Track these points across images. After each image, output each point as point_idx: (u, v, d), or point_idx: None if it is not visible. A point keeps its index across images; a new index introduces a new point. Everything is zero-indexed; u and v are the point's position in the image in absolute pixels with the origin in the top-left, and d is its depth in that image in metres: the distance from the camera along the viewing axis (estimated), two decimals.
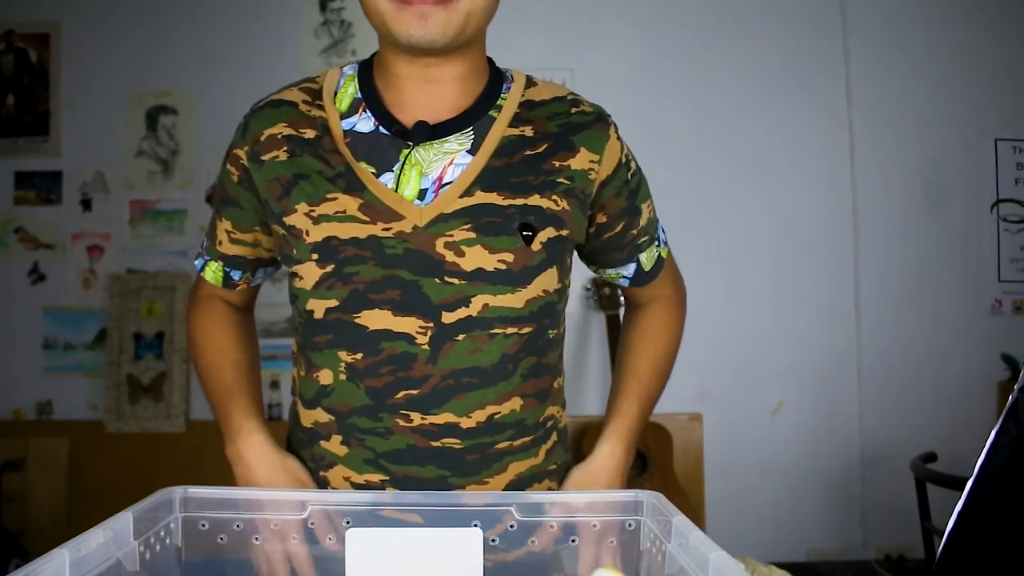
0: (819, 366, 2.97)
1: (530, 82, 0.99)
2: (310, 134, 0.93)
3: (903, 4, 3.02)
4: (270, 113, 0.95)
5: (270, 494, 0.81)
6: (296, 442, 1.00)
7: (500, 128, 0.93)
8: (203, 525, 0.73)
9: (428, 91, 0.92)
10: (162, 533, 0.70)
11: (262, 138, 0.94)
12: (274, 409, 2.93)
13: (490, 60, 0.99)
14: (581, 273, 2.98)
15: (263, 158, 0.93)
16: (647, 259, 1.05)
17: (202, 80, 2.97)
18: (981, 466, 0.86)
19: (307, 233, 0.91)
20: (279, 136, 0.93)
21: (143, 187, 2.99)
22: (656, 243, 1.06)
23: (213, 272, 1.05)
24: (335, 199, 0.90)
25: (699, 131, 2.98)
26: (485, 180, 0.91)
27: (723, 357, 2.91)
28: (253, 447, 0.95)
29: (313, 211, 0.91)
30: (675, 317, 1.11)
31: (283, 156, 0.93)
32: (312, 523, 0.77)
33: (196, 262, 1.08)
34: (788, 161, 2.99)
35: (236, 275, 1.05)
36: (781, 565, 0.91)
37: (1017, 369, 2.83)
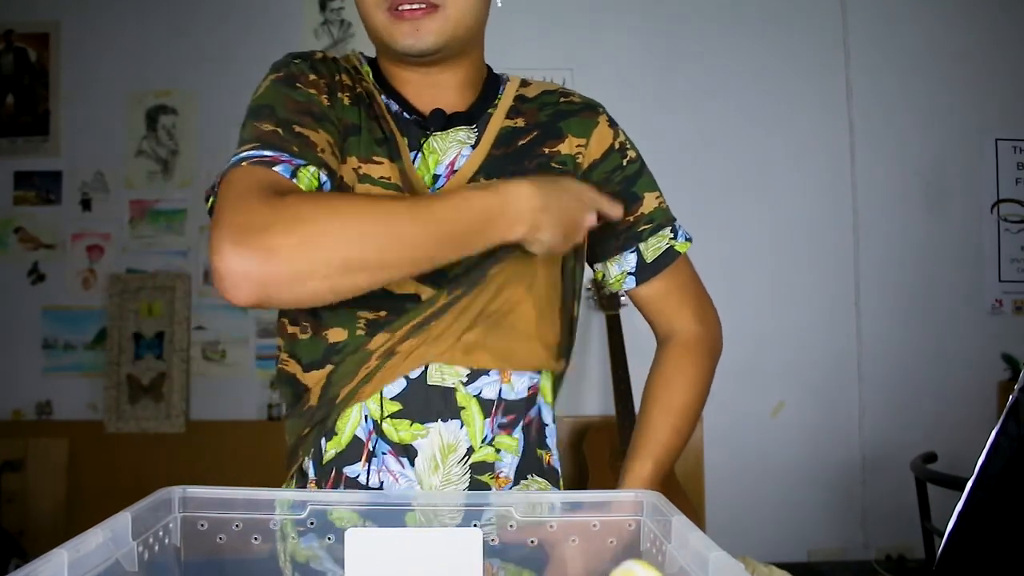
0: (819, 366, 2.97)
1: (524, 83, 1.05)
2: (362, 91, 0.97)
3: (903, 4, 3.02)
4: (332, 63, 0.96)
5: (270, 493, 0.81)
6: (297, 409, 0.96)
7: (497, 121, 0.99)
8: (202, 525, 0.73)
9: (431, 93, 0.98)
10: (161, 533, 0.70)
11: (336, 78, 0.94)
12: (274, 409, 2.93)
13: (488, 67, 1.05)
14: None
15: (337, 95, 0.93)
16: (649, 249, 1.02)
17: (202, 80, 2.97)
18: (981, 466, 0.86)
19: (351, 189, 0.91)
20: (345, 83, 0.95)
21: (143, 187, 2.99)
22: (669, 234, 1.03)
23: (308, 179, 0.82)
24: (381, 163, 0.92)
25: (699, 131, 2.98)
26: (488, 168, 0.95)
27: (723, 357, 2.90)
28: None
29: (360, 168, 0.92)
30: (699, 364, 1.04)
31: (347, 101, 0.94)
32: (312, 522, 0.77)
33: (278, 168, 0.79)
34: (788, 161, 2.99)
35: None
36: (782, 565, 0.90)
37: (1017, 369, 2.83)
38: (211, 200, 0.85)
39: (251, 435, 2.88)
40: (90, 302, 2.97)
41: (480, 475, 0.93)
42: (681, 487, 2.63)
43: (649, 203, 1.02)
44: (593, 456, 2.63)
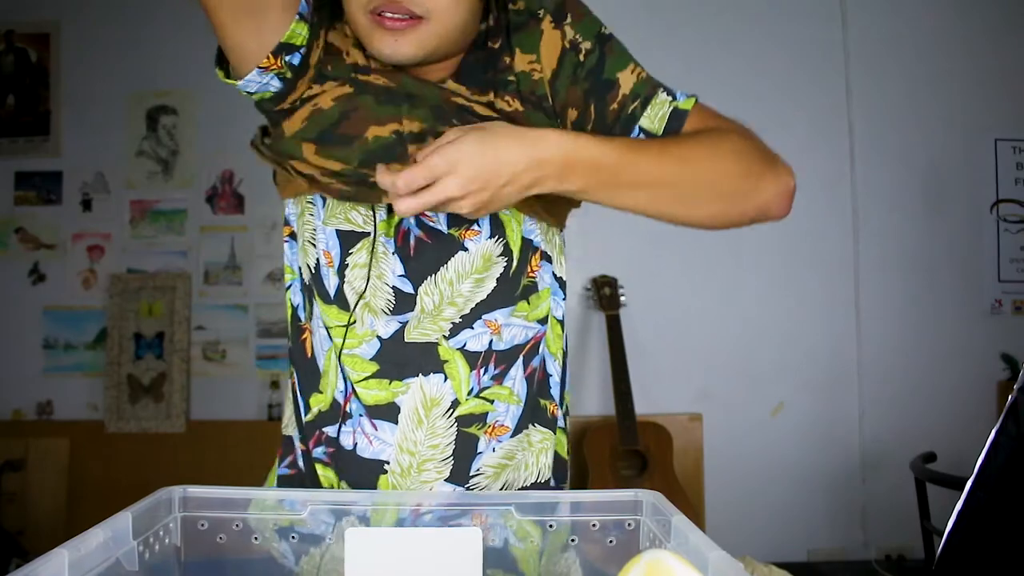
0: (819, 366, 2.97)
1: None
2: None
3: (903, 4, 3.02)
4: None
5: (270, 493, 0.81)
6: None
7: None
8: (202, 525, 0.73)
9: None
10: (161, 533, 0.70)
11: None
12: (274, 409, 2.93)
13: None
14: (581, 272, 2.99)
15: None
16: (654, 122, 0.93)
17: (202, 80, 2.95)
18: (981, 466, 0.86)
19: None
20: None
21: (143, 187, 2.99)
22: (666, 98, 0.94)
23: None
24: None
25: None
26: (459, 73, 0.95)
27: (723, 357, 2.91)
28: None
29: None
30: (742, 137, 0.94)
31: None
32: (312, 522, 0.77)
33: None
34: (788, 161, 2.99)
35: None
36: (782, 565, 0.90)
37: (1017, 369, 2.83)
38: None
39: (251, 435, 2.88)
40: (90, 302, 2.97)
41: (467, 427, 0.93)
42: (681, 487, 2.63)
43: (627, 81, 0.93)
44: (593, 456, 2.63)
